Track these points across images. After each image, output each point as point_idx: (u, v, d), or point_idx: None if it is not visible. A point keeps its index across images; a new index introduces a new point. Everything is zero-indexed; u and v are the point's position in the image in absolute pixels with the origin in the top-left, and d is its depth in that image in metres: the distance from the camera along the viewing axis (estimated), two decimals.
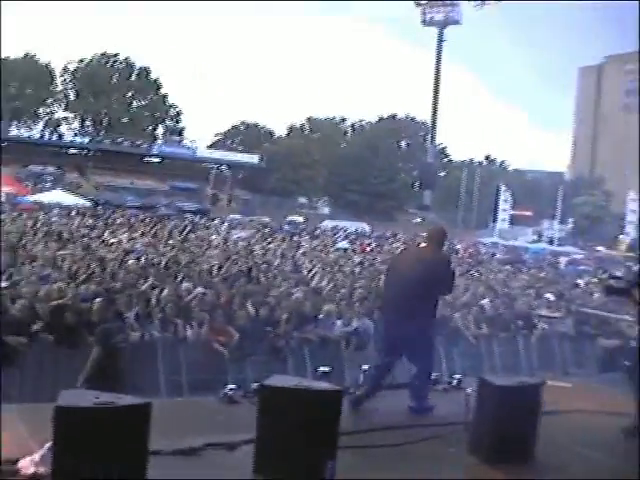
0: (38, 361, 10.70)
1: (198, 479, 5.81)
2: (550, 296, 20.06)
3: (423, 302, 8.60)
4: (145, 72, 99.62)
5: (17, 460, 5.45)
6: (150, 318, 12.37)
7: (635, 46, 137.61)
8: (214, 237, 31.28)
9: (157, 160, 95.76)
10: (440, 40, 73.19)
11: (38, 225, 26.96)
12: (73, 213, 40.04)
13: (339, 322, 13.95)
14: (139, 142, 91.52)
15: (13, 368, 10.39)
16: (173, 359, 11.81)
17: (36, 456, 5.39)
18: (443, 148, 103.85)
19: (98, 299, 11.44)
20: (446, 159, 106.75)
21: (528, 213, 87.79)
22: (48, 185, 72.03)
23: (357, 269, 22.62)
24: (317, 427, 5.71)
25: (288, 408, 5.71)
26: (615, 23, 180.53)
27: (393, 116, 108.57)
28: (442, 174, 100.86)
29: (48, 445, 5.10)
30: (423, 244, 9.42)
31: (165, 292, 13.75)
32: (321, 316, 14.03)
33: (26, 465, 5.37)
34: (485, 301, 17.60)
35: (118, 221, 36.48)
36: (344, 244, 37.16)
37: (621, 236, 79.06)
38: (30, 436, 6.02)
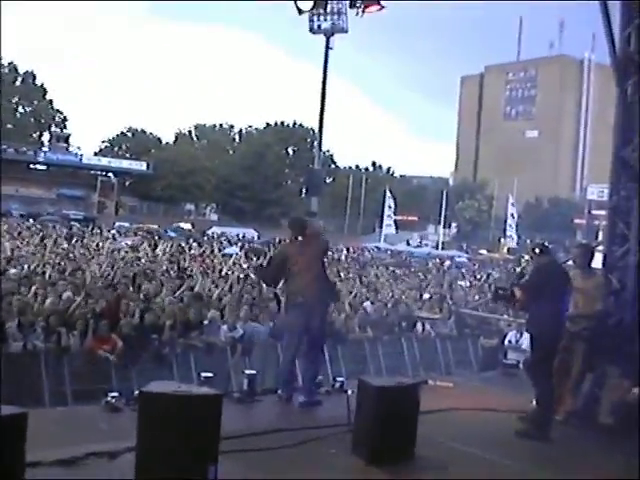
0: None
1: None
2: (432, 297, 20.47)
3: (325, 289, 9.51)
4: (31, 76, 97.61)
5: None
6: (33, 327, 12.15)
7: (514, 56, 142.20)
8: (100, 245, 30.87)
9: (43, 167, 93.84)
10: (327, 48, 73.59)
11: None
12: None
13: (224, 327, 13.97)
14: (24, 149, 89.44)
15: None
16: (57, 369, 11.65)
17: None
18: (330, 155, 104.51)
19: None
20: (333, 166, 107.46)
21: (413, 218, 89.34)
22: None
23: (243, 275, 22.56)
24: (198, 432, 5.71)
25: (168, 414, 5.69)
26: (495, 34, 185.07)
27: (281, 123, 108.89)
28: (329, 180, 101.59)
29: None
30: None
31: (48, 301, 13.55)
32: (206, 322, 14.01)
33: None
34: (368, 304, 17.86)
35: (3, 229, 35.66)
36: (232, 250, 37.16)
37: (502, 239, 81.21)
38: None
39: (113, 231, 47.37)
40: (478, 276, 34.74)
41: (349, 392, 8.07)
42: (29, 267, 19.02)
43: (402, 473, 6.75)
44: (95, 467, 6.15)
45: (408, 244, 77.00)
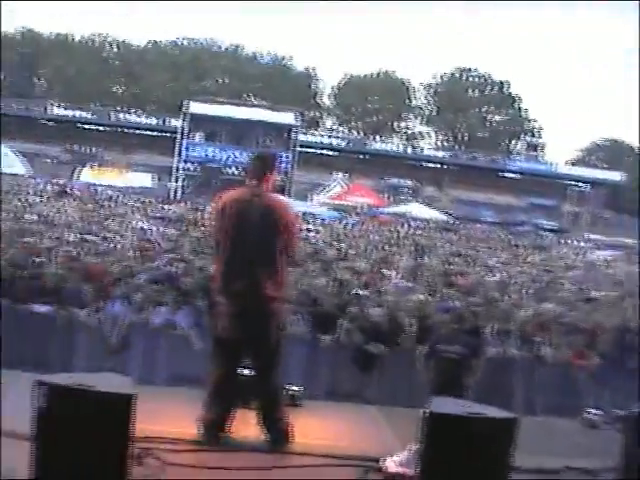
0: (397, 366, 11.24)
1: None
2: None
3: None
4: (504, 86, 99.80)
5: (379, 459, 5.78)
6: (508, 335, 12.43)
7: None
8: (573, 257, 30.69)
9: (515, 175, 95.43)
10: None
11: (400, 237, 27.76)
12: (431, 226, 41.18)
13: None
14: (495, 157, 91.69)
15: (372, 372, 11.07)
16: (530, 377, 11.85)
17: (401, 457, 5.70)
18: None
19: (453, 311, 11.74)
20: None
21: None
22: (405, 198, 74.48)
23: None
24: None
25: None
26: None
27: None
28: None
29: (413, 447, 5.36)
30: None
31: (525, 310, 13.76)
32: None
33: (391, 465, 5.69)
34: None
35: (476, 236, 36.94)
36: None
37: None
38: (395, 437, 6.30)
39: (583, 243, 46.87)
40: None
41: None
42: (503, 276, 19.47)
43: None
44: None
45: None
